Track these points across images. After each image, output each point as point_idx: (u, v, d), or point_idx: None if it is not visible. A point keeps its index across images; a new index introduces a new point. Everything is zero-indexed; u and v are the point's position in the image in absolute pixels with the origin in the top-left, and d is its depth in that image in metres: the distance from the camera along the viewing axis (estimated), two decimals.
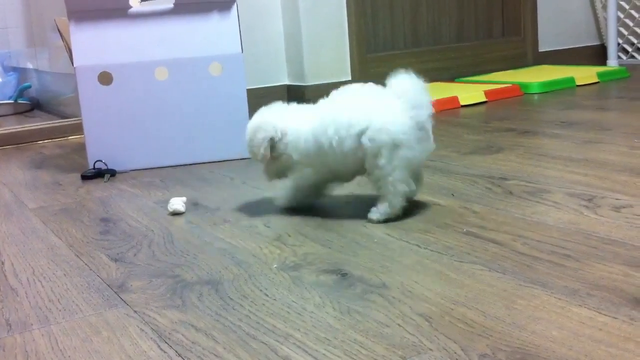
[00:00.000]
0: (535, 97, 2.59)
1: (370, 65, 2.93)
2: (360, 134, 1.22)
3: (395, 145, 1.20)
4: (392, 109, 1.23)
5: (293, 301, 0.94)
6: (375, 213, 1.25)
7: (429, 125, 1.24)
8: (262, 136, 1.30)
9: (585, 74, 2.79)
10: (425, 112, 1.23)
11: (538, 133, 1.95)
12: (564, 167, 1.52)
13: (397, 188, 1.22)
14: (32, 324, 0.94)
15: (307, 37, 2.76)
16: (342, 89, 1.33)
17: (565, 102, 2.39)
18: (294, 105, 1.37)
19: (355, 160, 1.25)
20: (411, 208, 1.30)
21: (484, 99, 2.53)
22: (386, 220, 1.24)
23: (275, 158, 1.32)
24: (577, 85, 2.73)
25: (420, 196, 1.38)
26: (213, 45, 1.89)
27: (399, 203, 1.24)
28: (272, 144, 1.30)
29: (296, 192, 1.35)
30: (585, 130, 1.90)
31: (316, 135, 1.27)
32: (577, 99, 2.47)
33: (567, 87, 2.71)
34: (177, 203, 1.41)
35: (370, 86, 1.30)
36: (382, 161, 1.21)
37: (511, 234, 1.12)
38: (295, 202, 1.36)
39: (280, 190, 1.38)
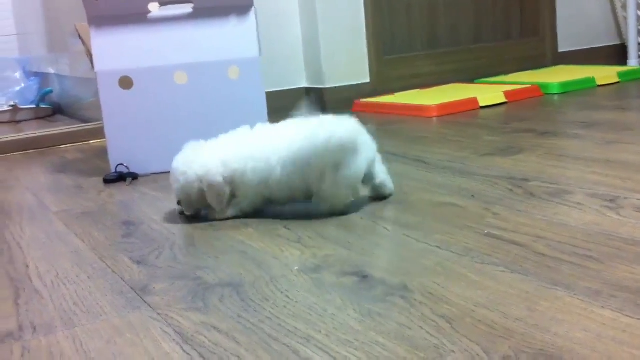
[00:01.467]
0: (555, 97, 2.57)
1: (389, 68, 2.93)
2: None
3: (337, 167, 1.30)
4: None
5: (314, 303, 0.94)
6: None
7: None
8: (198, 187, 1.36)
9: (605, 74, 2.77)
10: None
11: (559, 134, 1.94)
12: (585, 168, 1.51)
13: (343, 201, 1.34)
14: (56, 327, 0.95)
15: (325, 39, 2.76)
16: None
17: (586, 103, 2.38)
18: (205, 144, 1.44)
19: None
20: (431, 209, 1.30)
21: (504, 100, 2.52)
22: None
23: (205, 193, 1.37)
24: (598, 85, 2.71)
25: (440, 198, 1.38)
26: (231, 49, 1.90)
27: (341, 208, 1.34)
28: (202, 182, 1.37)
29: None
30: (606, 130, 1.89)
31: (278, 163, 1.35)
32: (597, 99, 2.46)
33: (587, 87, 2.69)
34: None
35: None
36: None
37: (533, 236, 1.12)
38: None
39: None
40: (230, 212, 1.38)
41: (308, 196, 1.35)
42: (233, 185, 1.36)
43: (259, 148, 1.36)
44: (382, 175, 1.40)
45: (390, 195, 1.41)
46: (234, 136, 1.43)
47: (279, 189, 1.34)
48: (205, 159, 1.37)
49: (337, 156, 1.28)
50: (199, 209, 1.40)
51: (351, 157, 1.29)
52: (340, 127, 1.31)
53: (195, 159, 1.38)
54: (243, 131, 1.43)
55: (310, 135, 1.31)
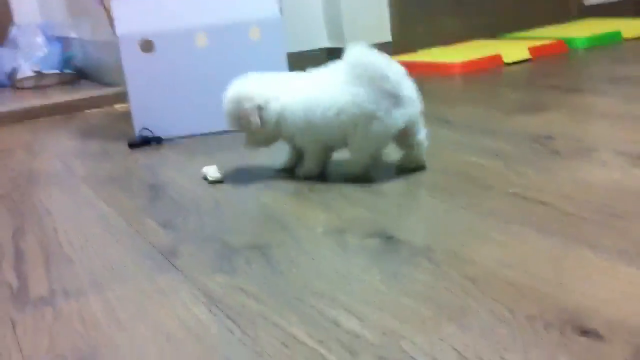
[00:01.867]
0: (581, 52, 2.53)
1: (411, 25, 2.89)
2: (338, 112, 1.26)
3: (369, 118, 1.23)
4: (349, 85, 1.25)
5: (339, 265, 0.95)
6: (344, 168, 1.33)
7: (401, 91, 1.24)
8: (250, 105, 1.33)
9: (632, 27, 2.71)
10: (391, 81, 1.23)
11: (584, 90, 1.92)
12: (611, 125, 1.49)
13: (364, 160, 1.29)
14: (86, 290, 0.97)
15: None
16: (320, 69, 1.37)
17: (612, 57, 2.33)
18: (268, 75, 1.40)
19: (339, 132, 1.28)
20: (455, 170, 1.29)
21: (528, 56, 2.48)
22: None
23: (261, 127, 1.34)
24: (625, 39, 2.66)
25: (464, 157, 1.37)
26: (252, 10, 1.89)
27: (360, 171, 1.30)
28: (259, 112, 1.33)
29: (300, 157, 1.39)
30: (633, 86, 1.86)
31: (305, 111, 1.30)
32: (624, 53, 2.41)
33: (614, 41, 2.64)
34: (214, 172, 1.42)
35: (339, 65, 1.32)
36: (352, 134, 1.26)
37: (557, 195, 1.11)
38: (319, 169, 1.37)
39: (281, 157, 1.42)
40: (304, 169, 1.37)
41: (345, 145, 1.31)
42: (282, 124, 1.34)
43: (307, 91, 1.32)
44: (421, 140, 1.30)
45: (418, 166, 1.32)
46: (289, 76, 1.40)
47: (326, 132, 1.29)
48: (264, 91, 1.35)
49: (370, 107, 1.22)
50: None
51: (387, 110, 1.22)
52: (383, 75, 1.23)
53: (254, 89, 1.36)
54: (300, 74, 1.39)
55: (350, 80, 1.25)
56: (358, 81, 1.24)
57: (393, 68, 1.25)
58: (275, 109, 1.33)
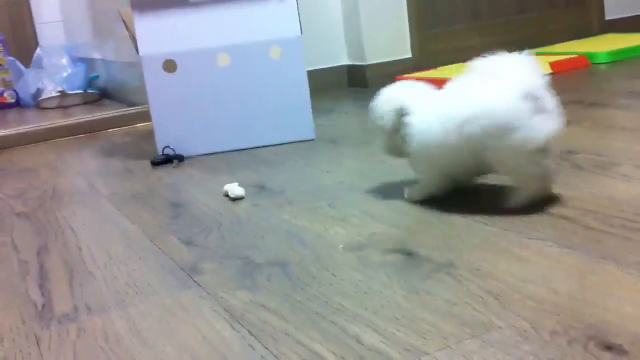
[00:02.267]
0: (603, 67, 2.52)
1: (430, 42, 2.90)
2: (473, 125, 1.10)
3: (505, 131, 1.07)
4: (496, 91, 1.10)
5: (360, 281, 0.95)
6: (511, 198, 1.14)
7: (544, 94, 1.09)
8: (389, 108, 1.24)
9: None
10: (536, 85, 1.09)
11: (606, 104, 1.90)
12: (633, 139, 1.48)
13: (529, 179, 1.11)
14: (110, 307, 0.98)
15: (365, 15, 2.74)
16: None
17: (634, 72, 2.32)
18: (423, 86, 1.27)
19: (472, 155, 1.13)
20: (475, 184, 1.29)
21: (550, 71, 2.47)
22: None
23: (396, 133, 1.24)
24: None
25: None
26: (272, 29, 1.91)
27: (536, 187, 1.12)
28: (398, 118, 1.22)
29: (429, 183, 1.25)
30: None
31: (442, 125, 1.15)
32: None
33: (635, 55, 2.62)
34: (236, 188, 1.43)
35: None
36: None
37: (580, 209, 1.10)
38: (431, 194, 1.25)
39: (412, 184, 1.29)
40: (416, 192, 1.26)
41: (482, 170, 1.18)
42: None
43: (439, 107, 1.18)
44: (551, 162, 1.13)
45: (549, 194, 1.16)
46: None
47: (452, 161, 1.16)
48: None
49: (505, 115, 1.07)
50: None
51: (528, 117, 1.07)
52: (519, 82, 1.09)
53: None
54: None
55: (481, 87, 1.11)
56: (489, 86, 1.10)
57: (531, 69, 1.12)
58: (414, 121, 1.21)
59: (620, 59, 2.59)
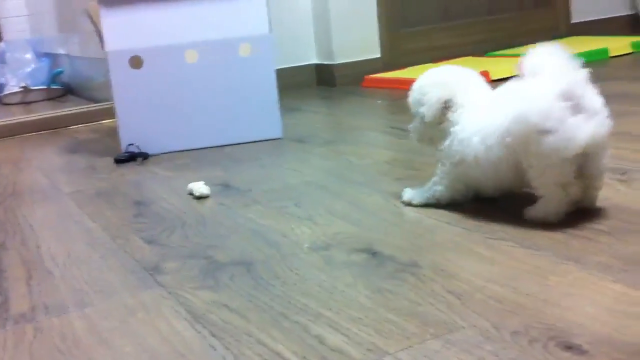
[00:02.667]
0: None
1: (400, 42, 2.91)
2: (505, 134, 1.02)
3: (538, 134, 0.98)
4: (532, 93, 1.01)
5: (324, 281, 0.94)
6: (530, 210, 1.06)
7: (583, 93, 1.00)
8: (438, 95, 1.12)
9: (618, 45, 2.74)
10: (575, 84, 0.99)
11: None
12: None
13: (551, 194, 1.02)
14: (68, 307, 0.96)
15: (335, 15, 2.74)
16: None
17: (599, 74, 2.34)
18: (473, 76, 1.17)
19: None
20: None
21: (516, 73, 2.49)
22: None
23: (435, 125, 1.14)
24: (611, 57, 2.68)
25: None
26: (242, 27, 1.89)
27: (555, 209, 1.02)
28: (443, 109, 1.13)
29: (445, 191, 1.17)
30: (619, 102, 1.86)
31: (484, 140, 1.06)
32: (610, 70, 2.43)
33: (600, 58, 2.66)
34: (201, 187, 1.42)
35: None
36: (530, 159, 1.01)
37: None
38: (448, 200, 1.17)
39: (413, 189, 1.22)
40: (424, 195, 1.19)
41: (518, 183, 1.07)
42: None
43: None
44: (602, 171, 1.04)
45: (592, 206, 1.07)
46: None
47: (480, 172, 1.09)
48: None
49: (537, 119, 0.98)
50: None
51: (562, 119, 0.97)
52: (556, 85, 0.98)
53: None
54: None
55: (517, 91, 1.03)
56: (525, 91, 1.02)
57: (572, 67, 1.01)
58: (458, 126, 1.11)
59: (585, 61, 2.61)
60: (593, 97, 1.01)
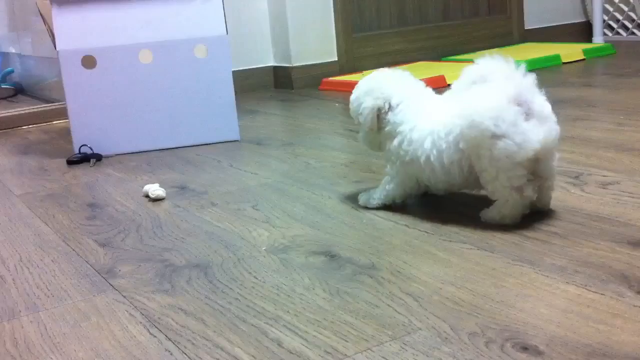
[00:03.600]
0: None
1: (357, 46, 2.92)
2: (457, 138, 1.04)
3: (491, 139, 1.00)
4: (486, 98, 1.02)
5: (282, 283, 0.94)
6: (486, 212, 1.08)
7: (533, 100, 1.02)
8: (370, 105, 1.14)
9: (571, 51, 2.79)
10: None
11: None
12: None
13: (505, 197, 1.04)
14: (20, 311, 0.93)
15: (292, 18, 2.74)
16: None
17: (552, 80, 2.39)
18: (406, 76, 1.19)
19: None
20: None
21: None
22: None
23: (377, 130, 1.16)
24: (563, 63, 2.73)
25: None
26: (198, 27, 1.87)
27: (511, 212, 1.04)
28: (382, 114, 1.15)
29: (395, 191, 1.18)
30: (571, 107, 1.90)
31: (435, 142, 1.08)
32: (563, 76, 2.48)
33: (553, 64, 2.71)
34: (156, 189, 1.40)
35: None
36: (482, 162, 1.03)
37: None
38: (393, 200, 1.19)
39: (369, 190, 1.23)
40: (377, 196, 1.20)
41: (470, 184, 1.10)
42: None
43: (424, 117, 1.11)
44: (553, 175, 1.08)
45: (545, 208, 1.10)
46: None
47: (431, 174, 1.10)
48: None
49: (490, 124, 0.99)
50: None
51: (515, 124, 0.99)
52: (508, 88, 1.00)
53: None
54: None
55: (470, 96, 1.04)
56: (478, 95, 1.02)
57: (521, 75, 1.03)
58: (404, 125, 1.13)
59: (537, 67, 2.67)
60: (542, 103, 1.04)
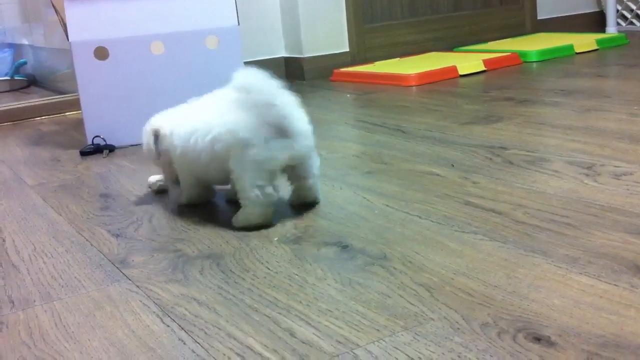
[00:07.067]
0: (534, 65, 2.58)
1: (368, 36, 2.91)
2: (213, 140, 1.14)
3: (243, 147, 1.10)
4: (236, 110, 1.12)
5: (294, 274, 0.94)
6: (235, 217, 1.16)
7: (288, 123, 1.10)
8: (145, 143, 1.30)
9: (584, 42, 2.78)
10: (274, 110, 1.10)
11: (537, 102, 1.95)
12: (563, 136, 1.52)
13: (248, 194, 1.12)
14: (34, 301, 0.94)
15: (303, 8, 2.73)
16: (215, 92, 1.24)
17: (565, 70, 2.38)
18: (174, 112, 1.32)
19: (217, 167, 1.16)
20: (411, 179, 1.30)
21: (483, 68, 2.51)
22: (247, 228, 1.13)
23: (161, 157, 1.29)
24: (576, 53, 2.72)
25: (420, 167, 1.38)
26: (209, 19, 1.88)
27: (254, 210, 1.13)
28: (155, 140, 1.28)
29: (189, 190, 1.28)
30: (584, 98, 1.89)
31: (183, 139, 1.21)
32: (576, 66, 2.46)
33: (566, 54, 2.70)
34: (160, 180, 1.40)
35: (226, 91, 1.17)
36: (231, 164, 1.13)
37: (511, 204, 1.12)
38: (192, 200, 1.29)
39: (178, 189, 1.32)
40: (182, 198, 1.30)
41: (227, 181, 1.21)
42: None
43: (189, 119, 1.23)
44: (314, 175, 1.20)
45: (314, 202, 1.22)
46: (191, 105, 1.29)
47: (202, 170, 1.20)
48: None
49: (245, 135, 1.09)
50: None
51: (266, 140, 1.09)
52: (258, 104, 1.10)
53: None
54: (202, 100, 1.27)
55: (232, 106, 1.13)
56: (239, 107, 1.11)
57: (282, 97, 1.11)
58: (165, 138, 1.27)
59: (550, 57, 2.65)
60: (300, 119, 1.13)
